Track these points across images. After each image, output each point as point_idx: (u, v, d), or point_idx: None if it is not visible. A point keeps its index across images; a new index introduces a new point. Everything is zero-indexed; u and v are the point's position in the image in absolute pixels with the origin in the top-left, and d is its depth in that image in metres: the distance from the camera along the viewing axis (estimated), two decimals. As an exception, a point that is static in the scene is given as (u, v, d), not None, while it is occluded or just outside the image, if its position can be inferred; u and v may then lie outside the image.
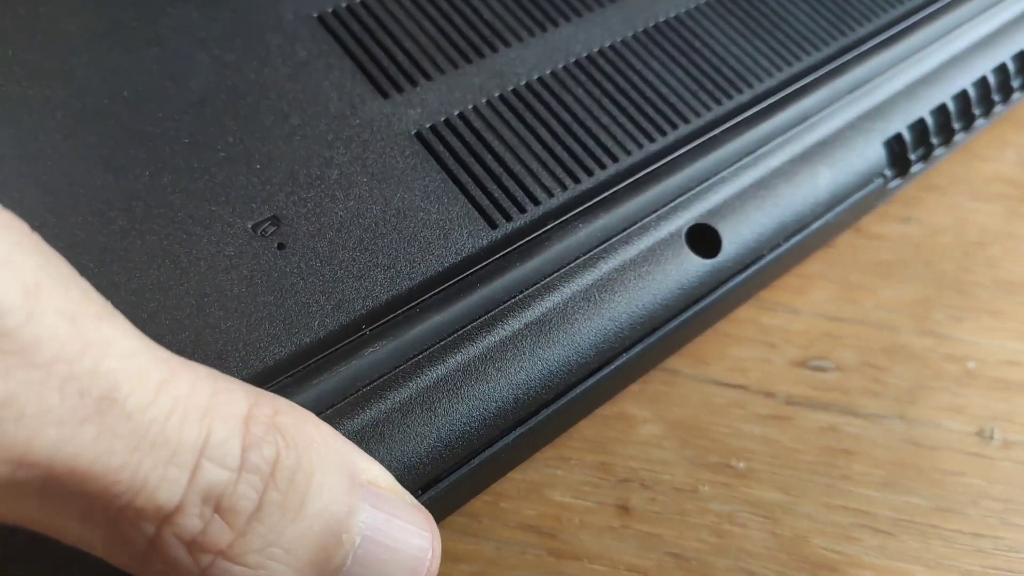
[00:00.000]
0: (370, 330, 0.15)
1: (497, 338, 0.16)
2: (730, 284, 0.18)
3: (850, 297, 0.22)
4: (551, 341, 0.16)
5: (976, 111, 0.22)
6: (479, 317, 0.16)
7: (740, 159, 0.19)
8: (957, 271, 0.23)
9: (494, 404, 0.15)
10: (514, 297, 0.16)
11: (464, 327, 0.16)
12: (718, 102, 0.20)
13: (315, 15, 0.19)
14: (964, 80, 0.22)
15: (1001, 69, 0.22)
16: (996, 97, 0.22)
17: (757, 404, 0.20)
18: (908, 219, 0.24)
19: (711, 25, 0.21)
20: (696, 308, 0.18)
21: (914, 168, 0.21)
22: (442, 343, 0.15)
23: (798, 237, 0.19)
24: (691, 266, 0.17)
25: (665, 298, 0.17)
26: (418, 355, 0.15)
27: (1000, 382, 0.21)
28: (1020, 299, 0.22)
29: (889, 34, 0.22)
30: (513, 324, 0.16)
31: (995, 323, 0.22)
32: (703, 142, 0.19)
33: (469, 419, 0.15)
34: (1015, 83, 0.23)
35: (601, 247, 0.17)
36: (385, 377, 0.15)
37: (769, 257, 0.18)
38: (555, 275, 0.16)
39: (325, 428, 0.12)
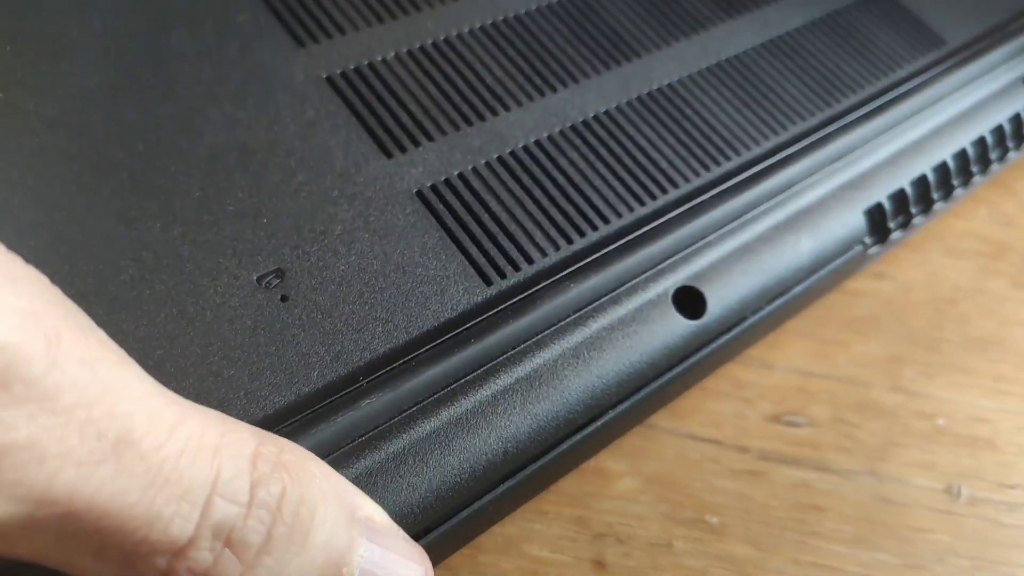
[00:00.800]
0: (367, 382, 0.16)
1: (489, 393, 0.16)
2: (713, 345, 0.19)
3: (823, 352, 0.22)
4: (541, 397, 0.17)
5: (955, 182, 0.23)
6: (472, 372, 0.16)
7: (726, 224, 0.20)
8: (928, 328, 0.23)
9: (484, 457, 0.16)
10: (506, 353, 0.17)
11: (457, 381, 0.16)
12: (707, 168, 0.21)
13: (324, 76, 0.20)
14: (944, 152, 0.23)
15: (980, 142, 0.23)
16: (975, 168, 0.23)
17: (731, 459, 0.20)
18: (882, 276, 0.24)
19: (703, 94, 0.22)
20: (681, 368, 0.18)
21: (893, 235, 0.22)
22: (435, 396, 0.16)
23: (779, 301, 0.20)
24: (677, 327, 0.18)
25: (651, 357, 0.18)
26: (412, 407, 0.16)
27: (968, 439, 0.21)
28: (990, 356, 0.23)
29: (873, 106, 0.23)
30: (504, 379, 0.16)
31: (965, 380, 0.22)
32: (691, 207, 0.20)
33: (460, 471, 0.16)
34: (993, 155, 0.24)
35: (591, 306, 0.18)
36: (380, 428, 0.15)
37: (751, 319, 0.19)
38: (546, 333, 0.17)
39: (326, 467, 0.13)
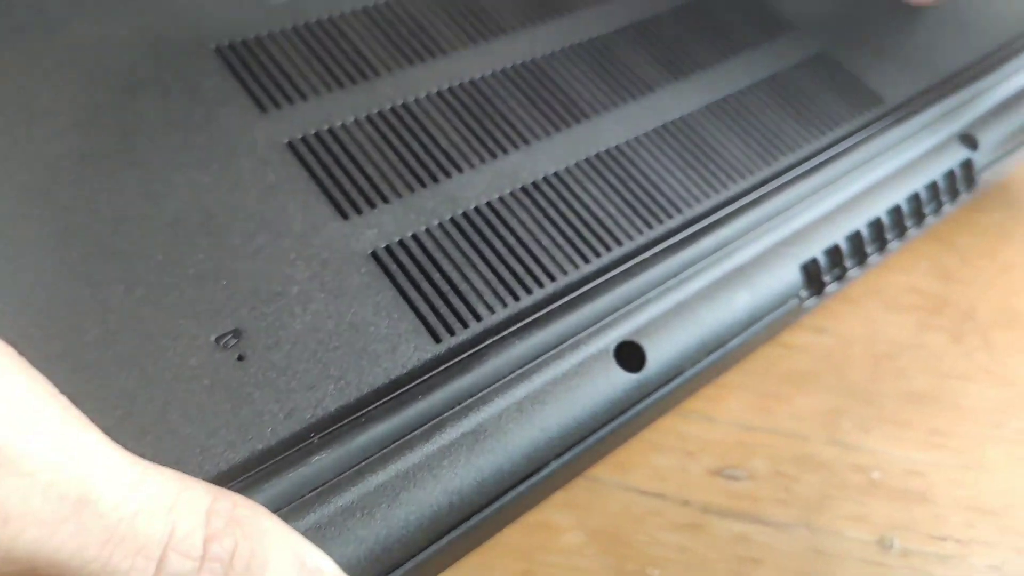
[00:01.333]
0: (318, 438, 0.17)
1: (434, 447, 0.17)
2: (653, 397, 0.20)
3: (764, 407, 0.23)
4: (485, 450, 0.17)
5: (889, 236, 0.24)
6: (419, 427, 0.17)
7: (666, 281, 0.21)
8: (866, 382, 0.24)
9: (430, 510, 0.17)
10: (452, 409, 0.17)
11: (404, 436, 0.17)
12: (650, 227, 0.22)
13: (285, 141, 0.21)
14: (879, 208, 0.24)
15: (914, 198, 0.25)
16: (908, 223, 0.25)
17: (674, 512, 0.21)
18: (823, 330, 0.25)
19: (648, 154, 0.23)
20: (621, 419, 0.19)
21: (828, 288, 0.23)
22: (383, 451, 0.17)
23: (717, 354, 0.21)
24: (618, 380, 0.19)
25: (593, 410, 0.19)
26: (361, 462, 0.16)
27: (902, 492, 0.22)
28: (926, 410, 0.24)
29: (811, 164, 0.24)
30: (450, 434, 0.17)
31: (900, 433, 0.23)
32: (633, 265, 0.21)
33: (406, 524, 0.16)
34: (927, 210, 0.25)
35: (535, 362, 0.19)
36: (329, 483, 0.16)
37: (689, 372, 0.20)
38: (491, 388, 0.18)
39: (278, 521, 0.14)
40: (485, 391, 0.18)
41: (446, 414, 0.17)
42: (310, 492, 0.16)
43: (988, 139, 0.27)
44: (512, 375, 0.18)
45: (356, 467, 0.16)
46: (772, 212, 0.23)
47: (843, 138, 0.25)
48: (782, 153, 0.24)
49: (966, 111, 0.27)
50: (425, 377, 0.18)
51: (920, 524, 0.21)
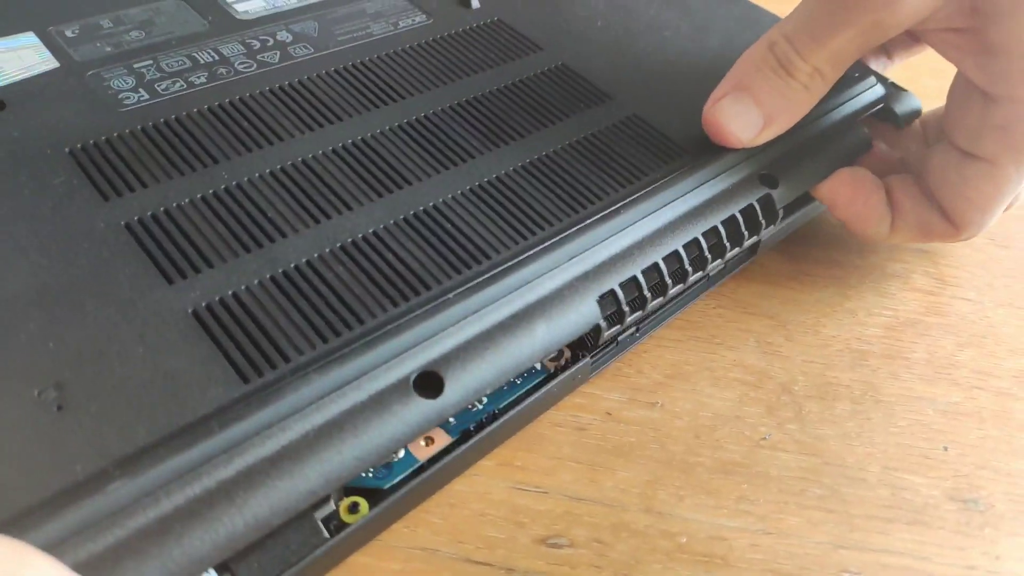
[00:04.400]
0: (120, 472, 0.18)
1: (231, 472, 0.19)
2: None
3: (593, 478, 0.25)
4: (282, 473, 0.19)
5: (688, 268, 0.26)
6: (215, 456, 0.19)
7: (466, 316, 0.23)
8: (685, 453, 0.26)
9: (224, 531, 0.18)
10: (249, 438, 0.19)
11: (204, 467, 0.19)
12: (458, 271, 0.24)
13: (123, 223, 0.24)
14: (676, 243, 0.26)
15: (712, 231, 0.27)
16: (708, 255, 0.27)
17: None
18: (654, 404, 0.27)
19: (462, 210, 0.26)
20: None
21: (630, 318, 0.25)
22: (181, 479, 0.18)
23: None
24: (416, 407, 0.21)
25: (392, 435, 0.21)
26: (158, 490, 0.18)
27: (705, 556, 0.23)
28: (735, 478, 0.25)
29: (611, 209, 0.27)
30: (247, 460, 0.19)
31: (710, 501, 0.25)
32: (437, 304, 0.23)
33: (201, 545, 0.18)
34: (728, 242, 0.28)
35: (334, 393, 0.21)
36: (126, 509, 0.18)
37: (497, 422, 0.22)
38: (289, 418, 0.20)
39: (40, 558, 0.15)
40: (283, 420, 0.20)
41: (242, 444, 0.19)
42: (107, 518, 0.18)
43: (789, 176, 0.29)
44: (311, 405, 0.20)
45: (152, 494, 0.18)
46: (573, 252, 0.25)
47: (647, 186, 0.28)
48: (589, 201, 0.27)
49: (766, 154, 0.30)
50: (228, 412, 0.20)
51: (718, 586, 0.23)
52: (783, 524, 0.24)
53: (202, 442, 0.19)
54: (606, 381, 0.28)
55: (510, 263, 0.24)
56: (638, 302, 0.25)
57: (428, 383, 0.22)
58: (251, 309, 0.22)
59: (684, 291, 0.28)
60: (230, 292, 0.22)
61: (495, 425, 0.24)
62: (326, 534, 0.21)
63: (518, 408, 0.24)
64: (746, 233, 0.28)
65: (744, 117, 0.28)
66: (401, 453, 0.23)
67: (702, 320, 0.30)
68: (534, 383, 0.25)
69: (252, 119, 0.28)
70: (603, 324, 0.25)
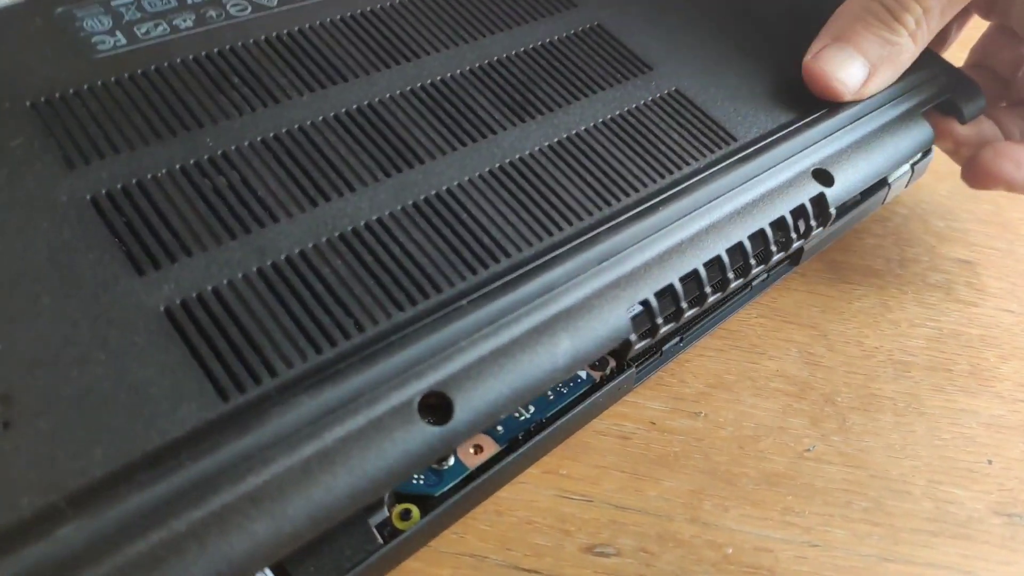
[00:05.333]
0: (73, 510, 0.16)
1: (203, 512, 0.16)
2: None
3: (637, 487, 0.25)
4: (262, 514, 0.17)
5: (731, 275, 0.23)
6: (186, 492, 0.16)
7: (481, 328, 0.20)
8: (729, 463, 0.25)
9: (193, 581, 0.16)
10: (225, 472, 0.17)
11: (171, 505, 0.16)
12: (473, 272, 0.21)
13: (88, 197, 0.20)
14: (719, 247, 0.23)
15: (760, 235, 0.24)
16: (752, 262, 0.24)
17: None
18: (697, 414, 0.27)
19: (480, 196, 0.23)
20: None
21: (663, 330, 0.22)
22: (144, 523, 0.16)
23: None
24: (420, 434, 0.18)
25: (391, 466, 0.18)
26: (118, 535, 0.16)
27: (751, 567, 0.23)
28: (780, 490, 0.25)
29: (651, 204, 0.24)
30: (222, 498, 0.16)
31: (755, 512, 0.24)
32: (448, 312, 0.20)
33: (165, 598, 0.15)
34: (774, 248, 0.25)
35: (327, 416, 0.18)
36: (77, 559, 0.15)
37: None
38: (274, 447, 0.17)
39: None
40: (265, 451, 0.17)
41: (219, 478, 0.17)
42: (53, 569, 0.15)
43: (845, 173, 0.26)
44: (298, 432, 0.17)
45: (113, 539, 0.16)
46: (605, 254, 0.22)
47: (689, 177, 0.25)
48: (624, 193, 0.24)
49: (821, 147, 0.26)
50: (204, 438, 0.17)
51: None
52: (829, 536, 0.24)
53: (171, 475, 0.16)
54: (648, 390, 0.27)
55: (533, 264, 0.21)
56: (673, 315, 0.23)
57: (435, 407, 0.19)
58: (233, 309, 0.19)
59: (723, 301, 0.25)
60: (210, 287, 0.19)
61: (543, 435, 0.23)
62: (380, 540, 0.20)
63: (565, 418, 0.23)
64: (795, 236, 0.25)
65: (848, 66, 0.27)
66: (451, 460, 0.22)
67: (742, 329, 0.29)
68: (580, 393, 0.24)
69: (244, 74, 0.24)
70: (634, 339, 0.22)
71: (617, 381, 0.24)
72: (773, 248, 0.25)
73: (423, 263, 0.21)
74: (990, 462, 0.27)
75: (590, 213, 0.23)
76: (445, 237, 0.22)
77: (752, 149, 0.26)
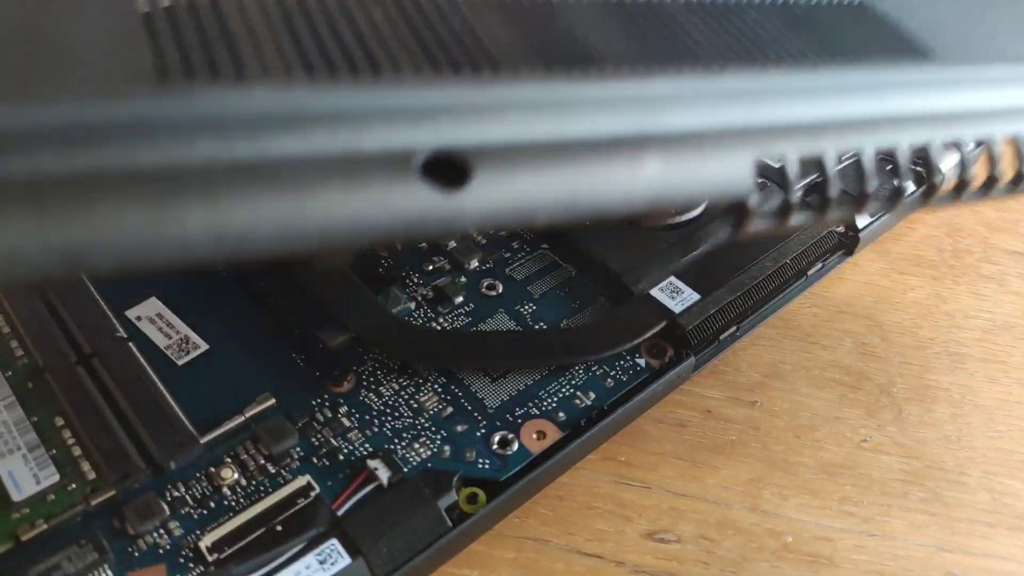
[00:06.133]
0: None
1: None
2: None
3: (695, 475, 0.25)
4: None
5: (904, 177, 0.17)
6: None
7: (543, 107, 0.14)
8: (787, 452, 0.25)
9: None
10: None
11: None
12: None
13: None
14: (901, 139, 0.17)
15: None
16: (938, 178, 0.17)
17: (610, 572, 0.22)
18: (754, 403, 0.27)
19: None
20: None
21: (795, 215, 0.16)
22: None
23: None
24: (412, 190, 0.13)
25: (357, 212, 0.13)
26: None
27: (810, 556, 0.23)
28: (838, 479, 0.25)
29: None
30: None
31: (813, 501, 0.24)
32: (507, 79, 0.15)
33: None
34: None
35: (295, 122, 0.13)
36: None
37: None
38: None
39: None
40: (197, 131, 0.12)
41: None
42: None
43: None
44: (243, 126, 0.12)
45: None
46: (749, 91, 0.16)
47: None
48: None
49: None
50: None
51: (823, 585, 0.22)
52: (887, 526, 0.24)
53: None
54: (704, 379, 0.27)
55: (638, 74, 0.16)
56: (821, 185, 0.16)
57: (445, 170, 0.13)
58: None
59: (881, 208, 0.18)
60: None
61: (604, 422, 0.23)
62: (450, 523, 0.21)
63: (625, 406, 0.24)
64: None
65: None
66: (515, 446, 0.23)
67: (796, 319, 0.29)
68: (639, 381, 0.24)
69: None
70: (754, 203, 0.15)
71: (676, 370, 0.24)
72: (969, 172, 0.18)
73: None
74: (1046, 455, 0.26)
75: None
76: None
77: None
